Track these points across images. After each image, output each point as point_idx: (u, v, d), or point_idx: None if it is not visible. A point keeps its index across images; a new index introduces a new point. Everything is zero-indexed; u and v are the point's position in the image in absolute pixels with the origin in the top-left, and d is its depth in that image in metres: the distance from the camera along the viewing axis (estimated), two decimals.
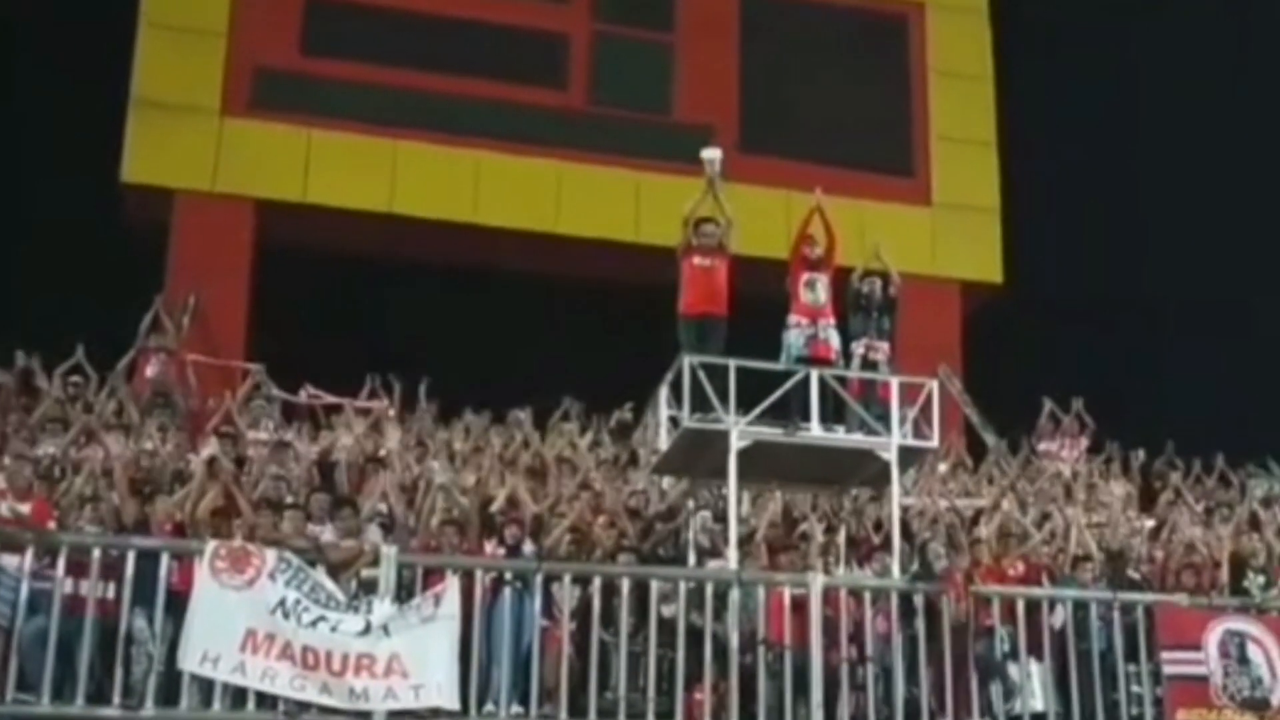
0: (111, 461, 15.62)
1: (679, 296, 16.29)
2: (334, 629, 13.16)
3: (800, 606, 14.25)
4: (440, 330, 28.14)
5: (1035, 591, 15.43)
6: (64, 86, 26.90)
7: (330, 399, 21.41)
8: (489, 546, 14.91)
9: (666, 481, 17.89)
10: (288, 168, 26.90)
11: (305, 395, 21.61)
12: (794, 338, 16.11)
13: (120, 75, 26.86)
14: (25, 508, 13.77)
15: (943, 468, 21.59)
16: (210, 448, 16.59)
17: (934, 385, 16.25)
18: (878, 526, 17.50)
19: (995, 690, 14.76)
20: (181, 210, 26.42)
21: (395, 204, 27.16)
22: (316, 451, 18.27)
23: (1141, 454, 23.22)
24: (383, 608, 13.30)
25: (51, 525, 13.73)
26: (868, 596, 14.67)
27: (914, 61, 31.33)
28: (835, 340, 16.19)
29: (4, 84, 27.42)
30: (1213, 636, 15.19)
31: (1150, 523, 19.75)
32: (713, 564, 15.45)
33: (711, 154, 16.83)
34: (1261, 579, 16.67)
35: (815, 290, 16.25)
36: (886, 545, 15.84)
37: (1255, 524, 20.03)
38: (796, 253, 16.51)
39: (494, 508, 16.13)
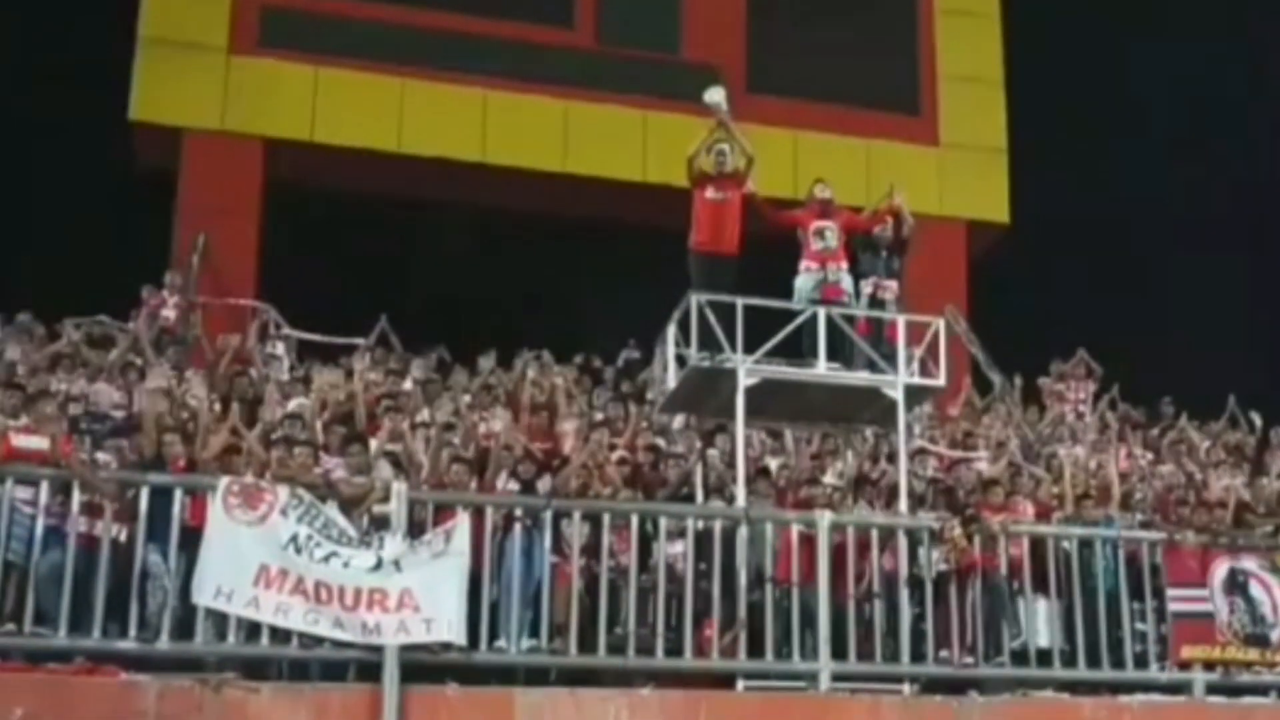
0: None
1: (690, 230, 16.32)
2: (346, 564, 13.25)
3: (809, 543, 14.38)
4: (447, 269, 28.30)
5: (1042, 529, 15.56)
6: (72, 24, 26.93)
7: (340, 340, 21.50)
8: (501, 482, 15.01)
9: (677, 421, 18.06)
10: (295, 106, 26.88)
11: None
12: (804, 282, 16.26)
13: (127, 14, 26.87)
14: (42, 442, 13.78)
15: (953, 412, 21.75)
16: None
17: (940, 324, 16.34)
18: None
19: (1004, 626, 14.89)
20: (190, 149, 26.43)
21: (403, 143, 27.17)
22: (327, 388, 18.35)
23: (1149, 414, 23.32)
24: (394, 543, 13.38)
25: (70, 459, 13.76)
26: (875, 534, 14.79)
27: (921, 0, 31.32)
28: (846, 282, 16.29)
29: (12, 23, 27.44)
30: (1217, 574, 15.34)
31: (1168, 467, 19.81)
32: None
33: (715, 96, 16.72)
34: (1269, 527, 16.75)
35: (825, 237, 16.39)
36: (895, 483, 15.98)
37: (1260, 466, 20.17)
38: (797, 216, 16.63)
39: (494, 445, 16.32)
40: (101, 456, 14.16)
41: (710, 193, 16.32)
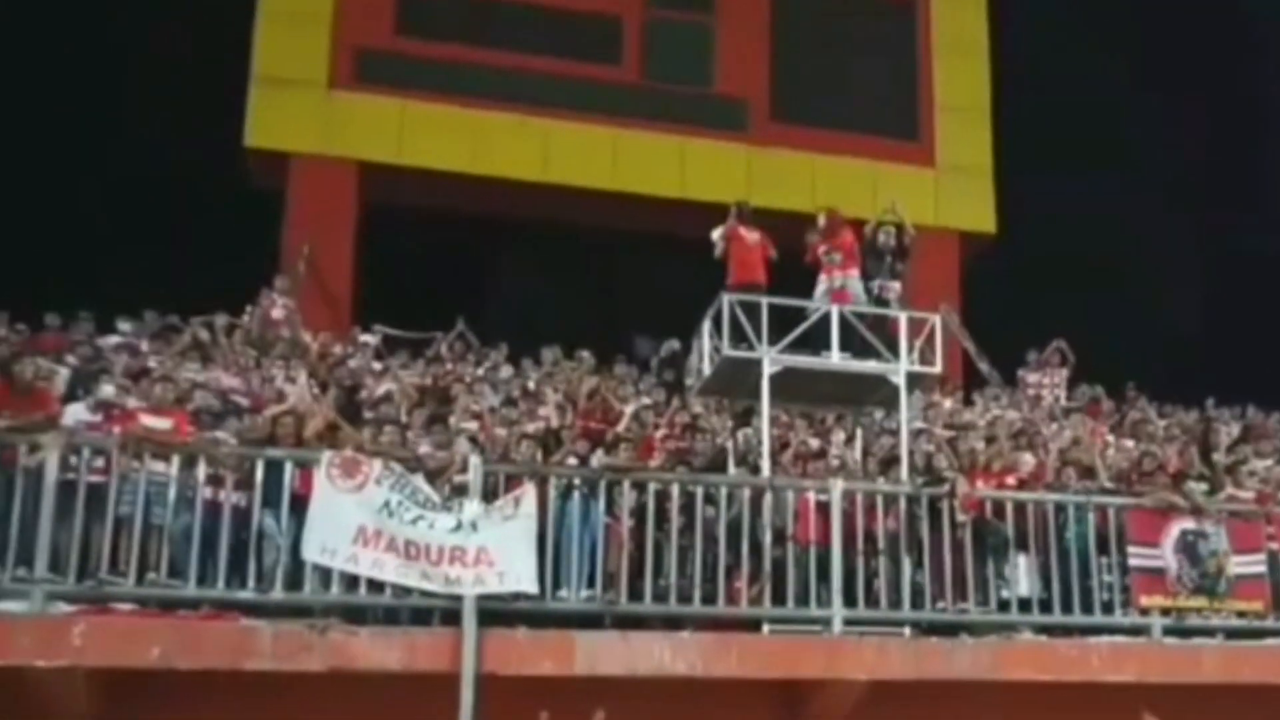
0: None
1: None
2: (431, 526, 13.32)
3: (824, 509, 14.49)
4: (514, 273, 28.47)
5: (1023, 495, 15.56)
6: (193, 66, 27.15)
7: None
8: (558, 456, 15.14)
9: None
10: (385, 134, 27.13)
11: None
12: (820, 287, 16.54)
13: (241, 55, 27.12)
14: (167, 423, 13.94)
15: (948, 404, 21.80)
16: (300, 386, 16.81)
17: (936, 320, 16.44)
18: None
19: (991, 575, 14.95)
20: (295, 171, 26.71)
21: (477, 165, 27.34)
22: (415, 378, 18.51)
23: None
24: (472, 508, 13.45)
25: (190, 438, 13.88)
26: (880, 500, 14.90)
27: (920, 40, 31.36)
28: (852, 286, 16.44)
29: (144, 70, 27.72)
30: (1170, 534, 15.38)
31: (1131, 443, 19.83)
32: None
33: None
34: (1204, 486, 16.81)
35: (831, 256, 16.66)
36: (898, 458, 16.05)
37: (1205, 441, 20.15)
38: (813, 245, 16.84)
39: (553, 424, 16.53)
40: (220, 434, 14.34)
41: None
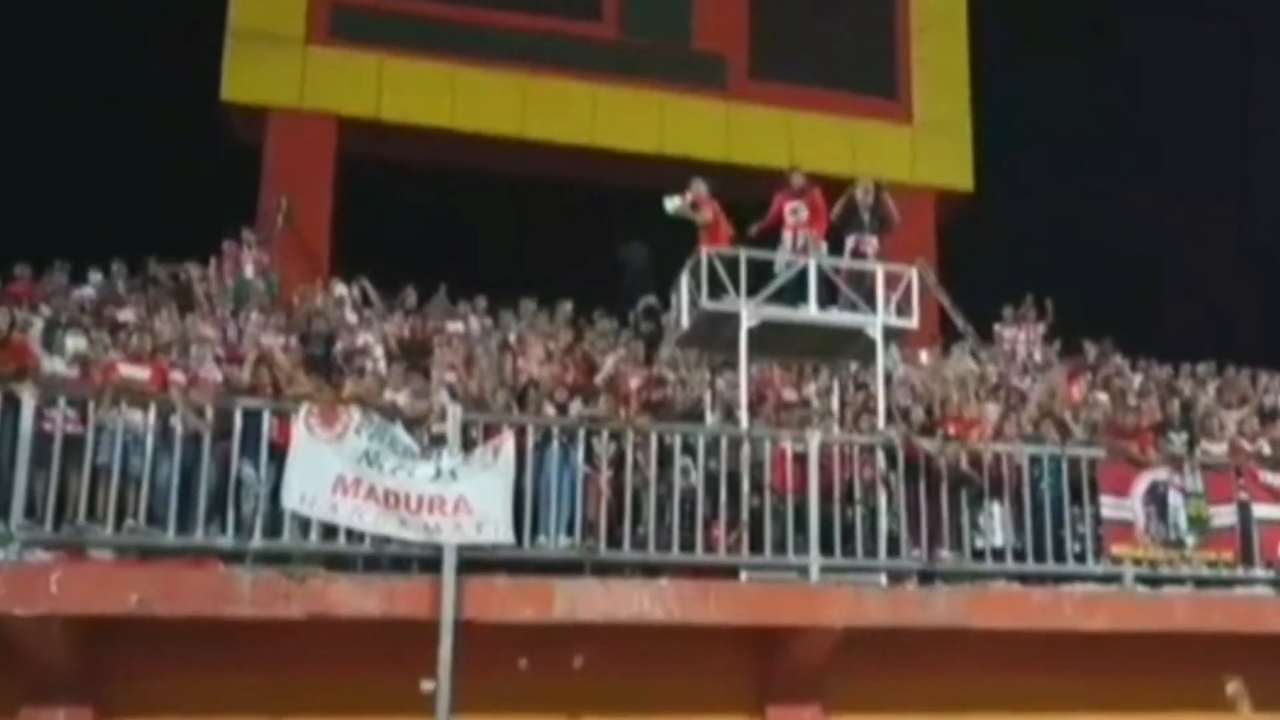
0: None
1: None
2: (410, 475, 13.30)
3: (801, 459, 14.50)
4: (491, 228, 28.38)
5: (998, 446, 15.57)
6: (171, 20, 26.96)
7: None
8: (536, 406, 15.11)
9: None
10: (364, 88, 26.96)
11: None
12: (784, 243, 16.54)
13: (219, 9, 26.96)
14: (144, 373, 13.88)
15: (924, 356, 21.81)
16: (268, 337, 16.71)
17: (913, 273, 16.47)
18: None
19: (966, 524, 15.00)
20: (274, 126, 26.56)
21: (455, 120, 27.21)
22: (394, 329, 18.46)
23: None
24: (450, 457, 13.45)
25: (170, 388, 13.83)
26: (856, 450, 14.90)
27: None
28: (813, 246, 16.44)
29: (126, 21, 27.53)
30: (1140, 487, 15.43)
31: (1104, 395, 19.85)
32: None
33: (672, 204, 16.91)
34: (1184, 435, 16.88)
35: (797, 213, 16.73)
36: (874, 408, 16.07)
37: (1174, 390, 20.21)
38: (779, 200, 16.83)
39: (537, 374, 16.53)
40: (202, 374, 14.30)
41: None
